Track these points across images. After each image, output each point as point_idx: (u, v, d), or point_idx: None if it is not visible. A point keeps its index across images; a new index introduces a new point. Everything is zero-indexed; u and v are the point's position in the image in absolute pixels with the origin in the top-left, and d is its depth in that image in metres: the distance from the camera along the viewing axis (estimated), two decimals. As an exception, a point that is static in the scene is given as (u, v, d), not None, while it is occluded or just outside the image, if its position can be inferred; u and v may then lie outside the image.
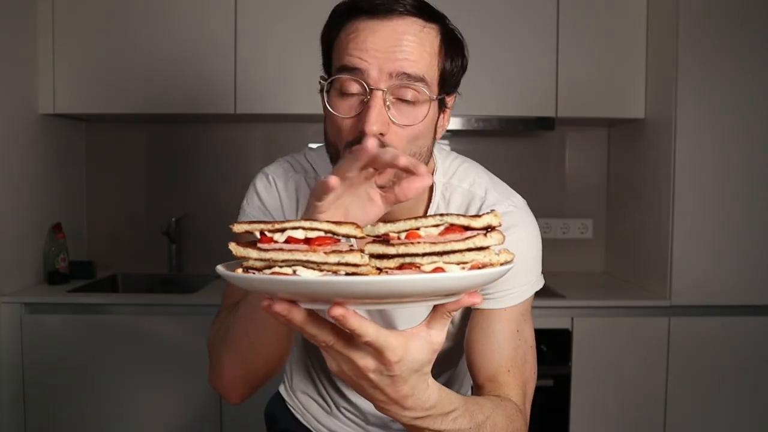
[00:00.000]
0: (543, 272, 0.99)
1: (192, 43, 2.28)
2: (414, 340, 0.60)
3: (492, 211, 0.59)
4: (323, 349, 0.62)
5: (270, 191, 1.01)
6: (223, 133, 2.68)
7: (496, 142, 2.70)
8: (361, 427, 1.12)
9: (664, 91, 2.20)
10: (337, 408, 1.13)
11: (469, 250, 0.57)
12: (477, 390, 0.92)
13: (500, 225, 0.59)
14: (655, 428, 2.17)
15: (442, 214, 0.58)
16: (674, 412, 2.16)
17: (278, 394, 1.22)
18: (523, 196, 1.00)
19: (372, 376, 0.61)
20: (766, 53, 2.11)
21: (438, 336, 0.62)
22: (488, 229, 0.58)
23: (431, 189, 0.97)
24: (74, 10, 2.29)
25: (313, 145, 1.10)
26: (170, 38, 2.28)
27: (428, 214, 0.96)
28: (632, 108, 2.35)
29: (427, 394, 0.65)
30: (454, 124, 2.32)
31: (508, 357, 0.91)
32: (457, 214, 0.58)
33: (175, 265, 2.63)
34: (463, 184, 0.97)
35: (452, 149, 1.37)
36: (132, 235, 2.69)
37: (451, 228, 0.58)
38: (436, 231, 0.58)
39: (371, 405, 1.08)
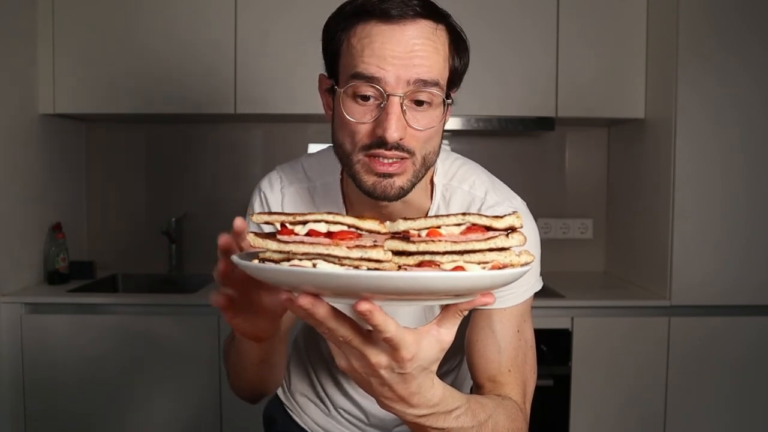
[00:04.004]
0: (543, 272, 0.99)
1: (192, 43, 2.28)
2: (425, 338, 0.61)
3: (514, 212, 0.59)
4: (338, 344, 0.62)
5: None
6: (223, 133, 2.68)
7: (496, 142, 2.70)
8: (360, 428, 1.12)
9: (664, 91, 2.20)
10: (336, 409, 1.13)
11: (491, 250, 0.56)
12: (477, 389, 0.93)
13: (522, 226, 0.58)
14: (655, 428, 2.16)
15: (464, 213, 0.58)
16: (674, 412, 2.16)
17: (276, 396, 1.22)
18: (522, 197, 1.00)
19: (383, 372, 0.61)
20: (766, 53, 2.11)
21: (448, 335, 0.62)
22: (510, 230, 0.58)
23: (431, 190, 0.97)
24: (74, 10, 2.29)
25: (313, 147, 1.11)
26: (170, 38, 2.28)
27: (429, 215, 0.96)
28: (632, 108, 2.35)
29: (432, 391, 0.66)
30: (454, 124, 2.32)
31: (509, 357, 0.91)
32: (479, 214, 0.58)
33: (175, 265, 2.63)
34: (463, 185, 0.97)
35: (452, 149, 1.37)
36: (132, 235, 2.69)
37: (473, 228, 0.58)
38: (457, 230, 0.57)
39: (373, 404, 1.09)
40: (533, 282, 0.95)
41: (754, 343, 2.16)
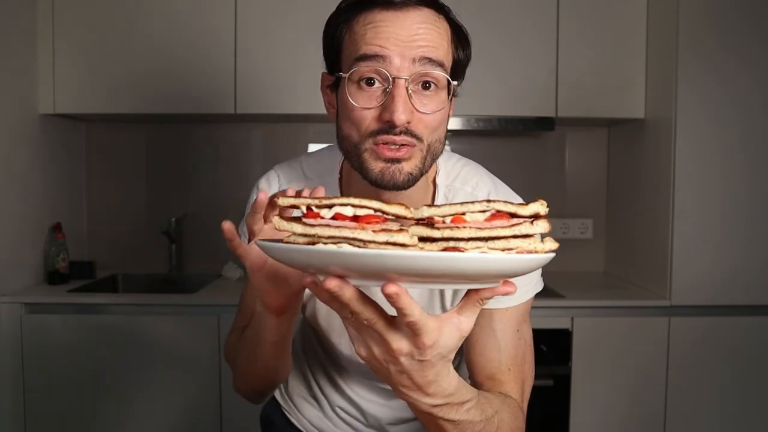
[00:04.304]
0: (543, 272, 0.99)
1: (192, 43, 2.28)
2: (446, 326, 0.61)
3: (538, 199, 0.58)
4: (359, 330, 0.62)
5: None
6: (223, 133, 2.68)
7: (496, 142, 2.70)
8: (357, 429, 1.12)
9: (664, 91, 2.20)
10: (333, 409, 1.13)
11: (515, 237, 0.56)
12: (475, 388, 0.93)
13: (547, 214, 0.58)
14: (655, 428, 2.17)
15: (488, 200, 0.58)
16: (674, 412, 2.16)
17: (273, 398, 1.22)
18: (523, 197, 1.00)
19: (403, 359, 0.61)
20: (766, 53, 2.12)
21: (467, 323, 0.62)
22: (534, 217, 0.58)
23: (434, 191, 0.97)
24: (74, 10, 2.29)
25: (313, 147, 1.11)
26: (170, 38, 2.28)
27: None
28: (632, 108, 2.35)
29: (447, 380, 0.66)
30: (455, 124, 2.32)
31: (509, 356, 0.91)
32: (504, 201, 0.58)
33: (175, 265, 2.63)
34: (466, 186, 0.97)
35: (452, 149, 1.37)
36: (132, 235, 2.69)
37: (497, 215, 0.57)
38: (481, 217, 0.57)
39: (370, 403, 1.09)
40: (534, 282, 0.95)
41: (754, 342, 2.16)
